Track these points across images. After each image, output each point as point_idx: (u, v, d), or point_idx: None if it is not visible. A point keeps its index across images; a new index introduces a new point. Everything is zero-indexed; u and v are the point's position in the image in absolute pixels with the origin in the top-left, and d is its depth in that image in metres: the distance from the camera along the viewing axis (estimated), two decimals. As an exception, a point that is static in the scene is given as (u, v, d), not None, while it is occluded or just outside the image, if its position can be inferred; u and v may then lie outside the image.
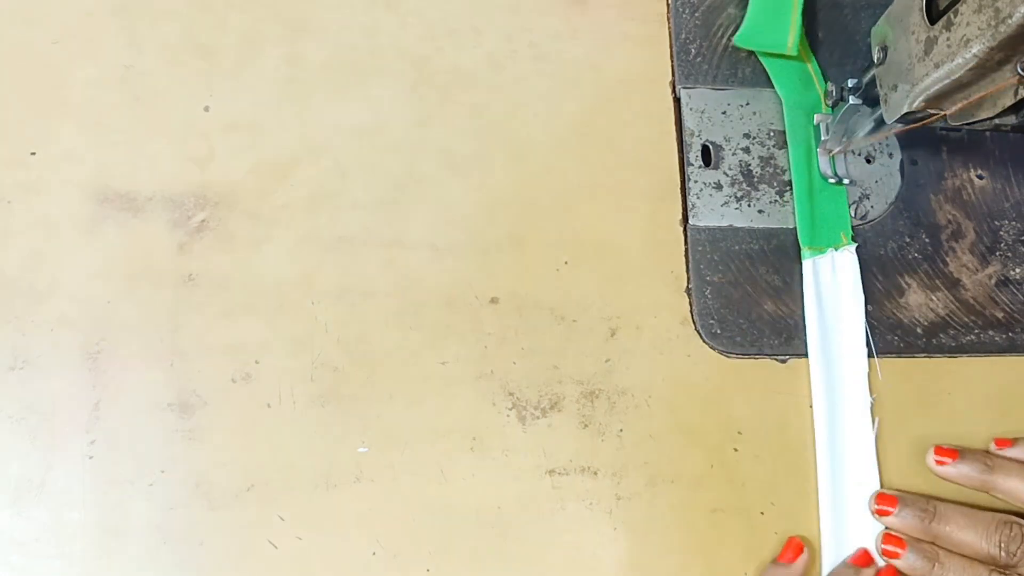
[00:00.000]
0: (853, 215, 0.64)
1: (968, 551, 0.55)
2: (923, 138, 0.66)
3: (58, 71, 0.60)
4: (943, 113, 0.56)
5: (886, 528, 0.57)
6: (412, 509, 0.56)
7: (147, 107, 0.60)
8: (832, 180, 0.64)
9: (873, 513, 0.57)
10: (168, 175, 0.59)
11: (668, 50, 0.66)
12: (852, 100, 0.63)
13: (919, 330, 0.62)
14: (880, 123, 0.60)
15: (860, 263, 0.62)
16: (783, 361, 0.61)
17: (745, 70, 0.66)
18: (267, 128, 0.61)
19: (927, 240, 0.64)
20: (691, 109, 0.65)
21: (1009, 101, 0.54)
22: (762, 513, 0.58)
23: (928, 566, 0.55)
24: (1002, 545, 0.54)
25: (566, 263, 0.61)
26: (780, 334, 0.61)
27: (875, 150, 0.65)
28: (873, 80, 0.60)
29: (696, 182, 0.63)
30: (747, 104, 0.65)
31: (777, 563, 0.57)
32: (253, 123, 0.61)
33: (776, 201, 0.63)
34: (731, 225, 0.63)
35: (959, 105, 0.55)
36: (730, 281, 0.62)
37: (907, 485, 0.59)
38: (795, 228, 0.63)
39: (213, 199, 0.59)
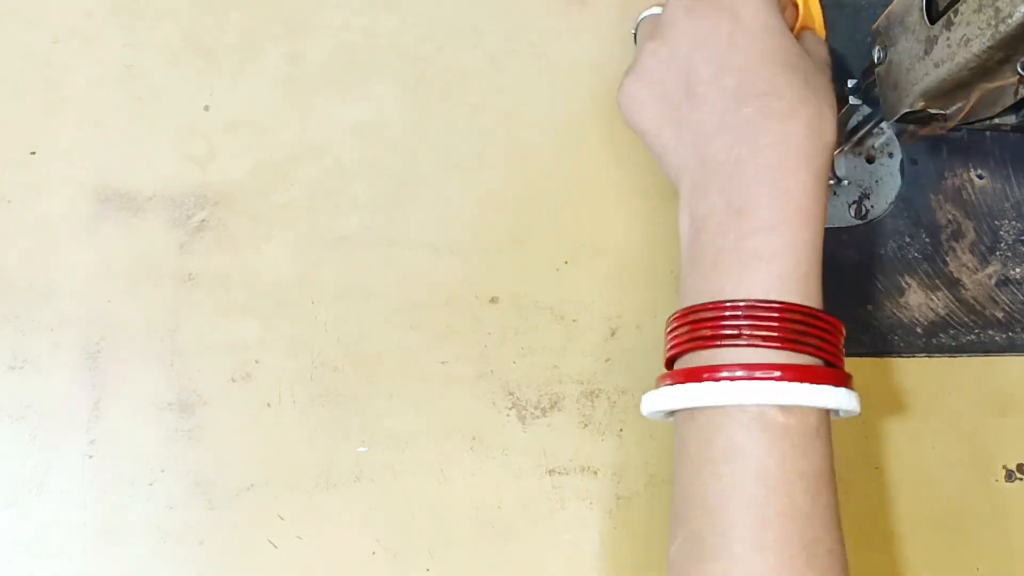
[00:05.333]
0: (853, 215, 0.64)
1: None
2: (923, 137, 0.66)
3: (58, 71, 0.61)
4: (944, 113, 0.57)
5: None
6: (412, 509, 0.56)
7: (147, 107, 0.61)
8: (832, 181, 0.64)
9: None
10: (168, 175, 0.60)
11: (668, 50, 0.66)
12: (852, 100, 0.63)
13: (919, 330, 0.63)
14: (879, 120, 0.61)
15: (860, 262, 0.63)
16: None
17: (745, 70, 0.66)
18: (267, 127, 0.61)
19: (927, 240, 0.64)
20: (691, 109, 0.65)
21: (1009, 100, 0.54)
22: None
23: None
24: None
25: (566, 263, 0.61)
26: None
27: (875, 149, 0.66)
28: (873, 80, 0.61)
29: (696, 182, 0.64)
30: (747, 104, 0.66)
31: None
32: (253, 122, 0.61)
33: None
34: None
35: (959, 105, 0.56)
36: (730, 281, 0.62)
37: (908, 487, 0.60)
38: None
39: (213, 198, 0.59)
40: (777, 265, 0.48)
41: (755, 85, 0.52)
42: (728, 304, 0.48)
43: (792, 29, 0.59)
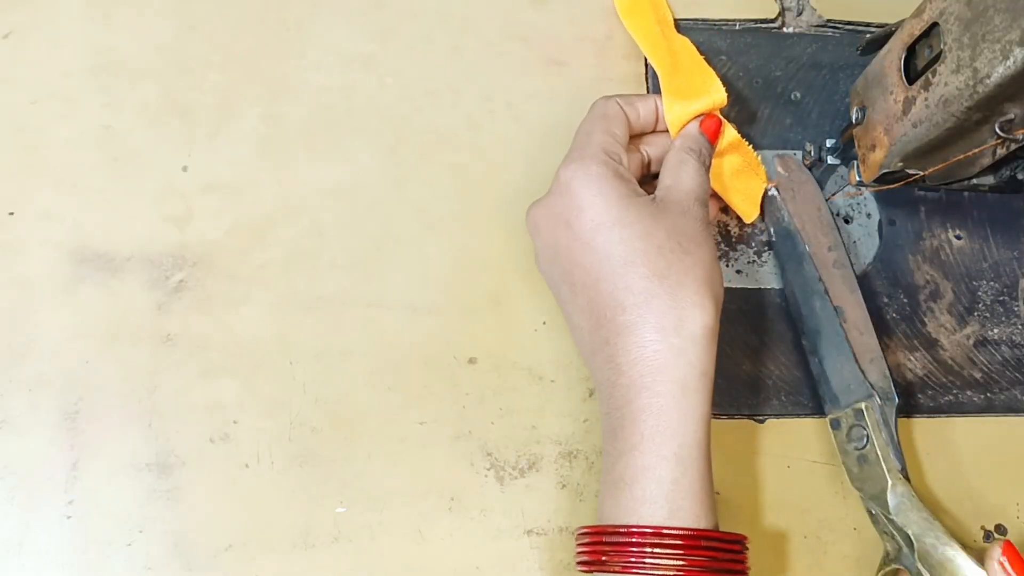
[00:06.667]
0: (831, 275, 0.70)
1: None
2: (901, 198, 0.73)
3: (36, 132, 0.67)
4: (922, 174, 0.63)
5: None
6: (390, 569, 0.62)
7: (125, 167, 0.67)
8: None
9: None
10: (146, 235, 0.66)
11: (646, 111, 0.73)
12: (831, 160, 0.70)
13: (897, 390, 0.68)
14: (858, 183, 0.67)
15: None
16: (761, 421, 0.67)
17: (722, 131, 0.73)
18: (245, 188, 0.68)
19: (905, 300, 0.71)
20: (669, 169, 0.71)
21: (987, 161, 0.60)
22: (740, 573, 0.64)
23: None
24: None
25: (544, 323, 0.68)
26: (758, 394, 0.68)
27: (853, 210, 0.72)
28: (851, 140, 0.67)
29: (674, 242, 0.70)
30: (724, 165, 0.72)
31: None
32: (231, 183, 0.68)
33: (754, 261, 0.70)
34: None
35: (938, 165, 0.61)
36: (708, 341, 0.68)
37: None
38: (771, 288, 0.70)
39: (191, 259, 0.65)
40: (639, 488, 0.56)
41: (601, 301, 0.59)
42: (591, 530, 0.57)
43: (640, 172, 0.68)
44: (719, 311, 0.59)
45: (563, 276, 0.61)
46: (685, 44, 0.71)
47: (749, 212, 0.70)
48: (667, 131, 0.67)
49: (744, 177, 0.69)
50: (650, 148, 0.68)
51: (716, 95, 0.67)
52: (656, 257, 0.58)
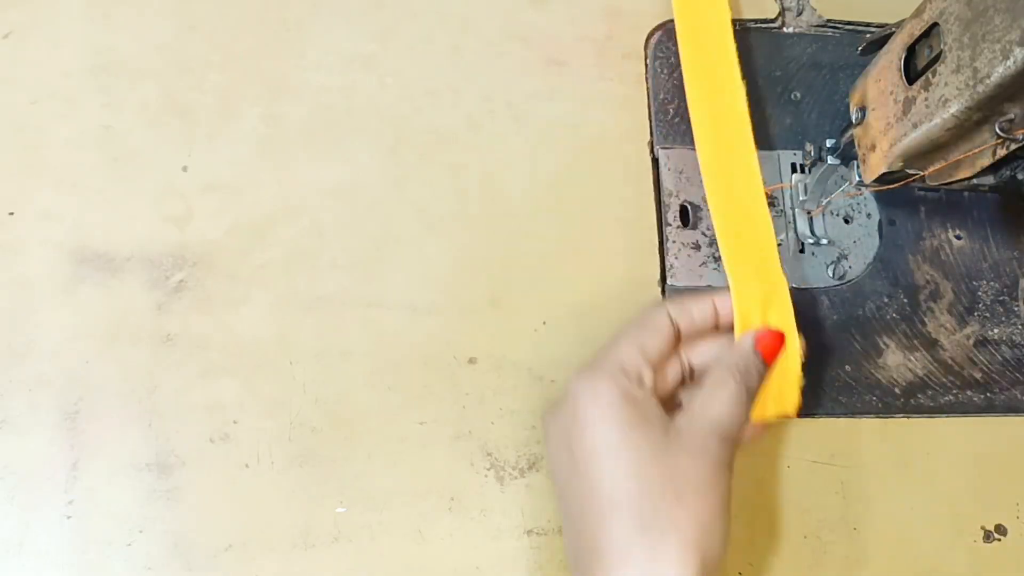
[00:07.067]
0: (831, 275, 0.70)
1: None
2: (901, 198, 0.73)
3: (36, 132, 0.67)
4: (922, 174, 0.63)
5: None
6: (390, 570, 0.62)
7: (125, 167, 0.67)
8: (811, 241, 0.70)
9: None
10: (146, 235, 0.66)
11: (646, 110, 0.74)
12: (830, 160, 0.70)
13: (897, 390, 0.69)
14: (858, 183, 0.67)
15: (838, 323, 0.69)
16: (761, 421, 0.67)
17: (722, 131, 0.73)
18: (245, 188, 0.68)
19: (905, 300, 0.71)
20: (669, 169, 0.72)
21: (987, 161, 0.60)
22: (740, 574, 0.64)
23: None
24: None
25: (544, 323, 0.68)
26: (758, 394, 0.67)
27: (853, 210, 0.72)
28: (851, 140, 0.67)
29: (674, 242, 0.70)
30: (724, 165, 0.72)
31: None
32: (231, 183, 0.68)
33: (754, 261, 0.70)
34: (709, 285, 0.69)
35: (938, 165, 0.61)
36: (708, 341, 0.68)
37: (886, 548, 0.66)
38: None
39: (191, 259, 0.66)
40: None
41: (584, 542, 0.56)
42: None
43: (670, 395, 0.62)
44: (712, 572, 0.54)
45: (561, 496, 0.59)
46: (765, 227, 0.66)
47: (787, 408, 0.63)
48: (721, 336, 0.63)
49: (777, 373, 0.63)
50: (694, 356, 0.63)
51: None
52: (644, 501, 0.53)
